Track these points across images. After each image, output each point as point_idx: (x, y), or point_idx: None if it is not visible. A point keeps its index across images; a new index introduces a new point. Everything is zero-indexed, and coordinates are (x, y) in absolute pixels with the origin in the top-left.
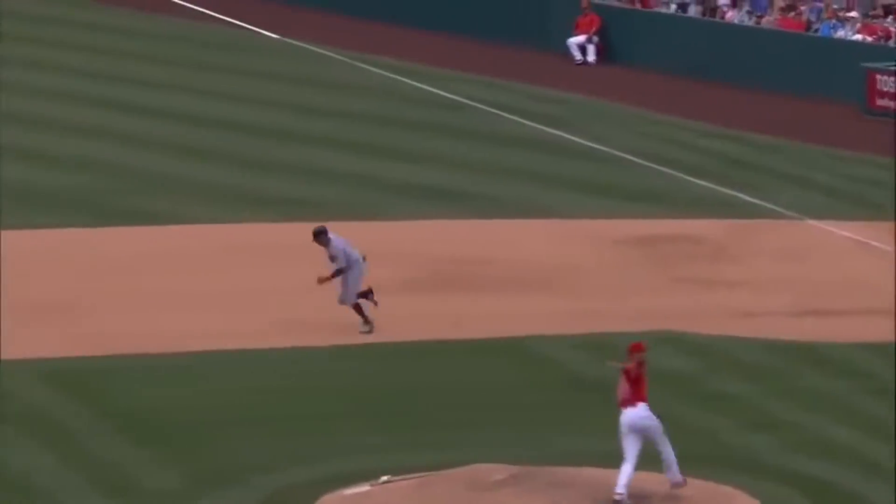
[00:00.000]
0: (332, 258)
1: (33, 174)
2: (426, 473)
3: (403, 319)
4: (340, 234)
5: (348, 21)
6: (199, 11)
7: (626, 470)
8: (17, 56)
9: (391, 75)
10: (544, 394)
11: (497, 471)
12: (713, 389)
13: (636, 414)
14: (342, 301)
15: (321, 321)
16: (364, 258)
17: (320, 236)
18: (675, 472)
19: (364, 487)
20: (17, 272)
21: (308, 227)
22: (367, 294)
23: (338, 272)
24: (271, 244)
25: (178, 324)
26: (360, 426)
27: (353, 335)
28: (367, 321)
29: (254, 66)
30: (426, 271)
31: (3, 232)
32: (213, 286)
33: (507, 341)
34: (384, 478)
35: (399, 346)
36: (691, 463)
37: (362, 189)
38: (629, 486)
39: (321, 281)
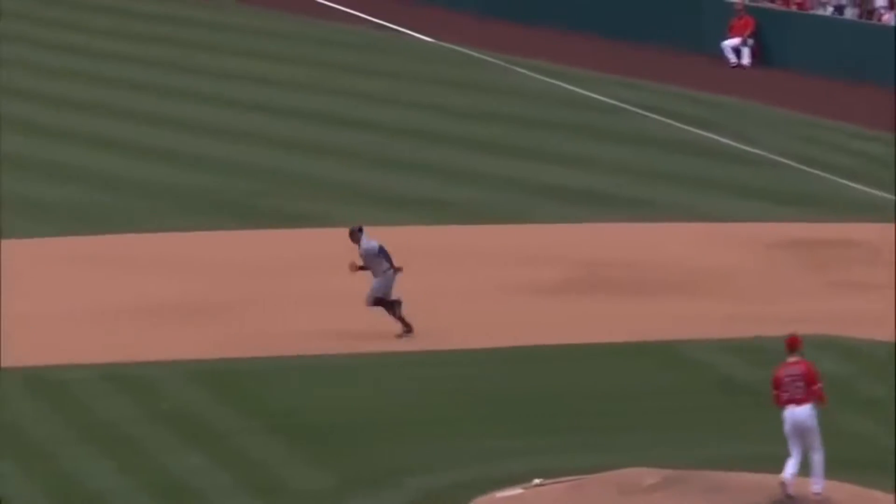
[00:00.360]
0: (362, 257)
1: (181, 176)
2: (578, 477)
3: (552, 322)
4: (489, 237)
5: (500, 24)
6: (348, 14)
7: (794, 461)
8: (167, 59)
9: (543, 78)
10: (695, 397)
11: (649, 475)
12: (867, 394)
13: (802, 412)
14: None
15: (469, 324)
16: (397, 269)
17: (355, 234)
18: (818, 481)
19: (516, 490)
20: (167, 274)
21: (457, 231)
22: (389, 304)
23: (363, 268)
24: (418, 247)
25: (328, 325)
26: (512, 429)
27: (501, 338)
28: (405, 326)
29: (404, 69)
30: (575, 274)
31: (157, 234)
32: (362, 288)
33: (658, 345)
34: (536, 481)
35: (548, 349)
36: (844, 467)
37: (511, 191)
38: (796, 476)
39: (353, 268)
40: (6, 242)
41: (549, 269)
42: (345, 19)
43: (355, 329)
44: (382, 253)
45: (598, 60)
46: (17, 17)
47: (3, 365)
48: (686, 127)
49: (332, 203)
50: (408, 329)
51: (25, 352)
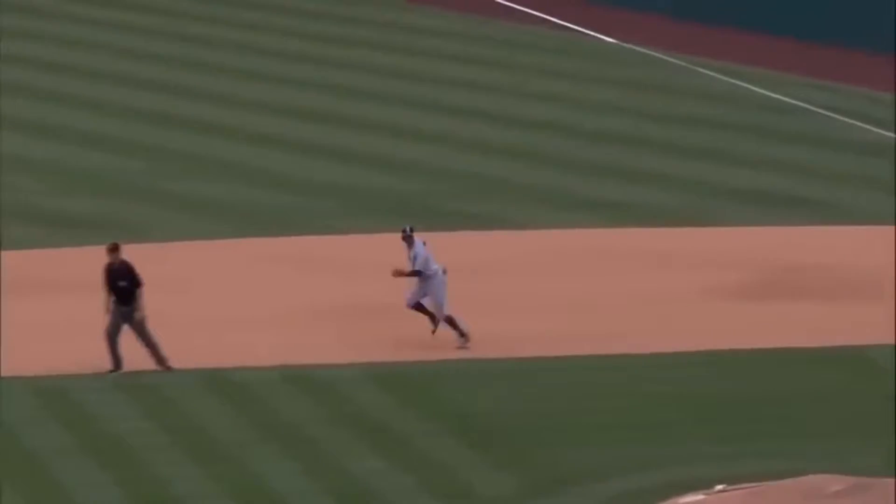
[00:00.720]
0: (412, 259)
1: (361, 177)
2: (761, 483)
3: (740, 327)
4: (671, 239)
5: (686, 25)
6: (529, 14)
7: None
8: (331, 57)
9: (726, 79)
10: (886, 403)
11: (835, 482)
12: None
13: None
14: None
15: (651, 327)
16: (444, 270)
17: (407, 237)
18: None
19: (698, 496)
20: (349, 276)
21: (639, 233)
22: (426, 311)
23: (412, 273)
24: (598, 249)
25: (508, 328)
26: (694, 434)
27: (687, 342)
28: (462, 335)
29: (587, 70)
30: (763, 278)
31: (339, 236)
32: (544, 291)
33: (847, 350)
34: (718, 487)
35: (734, 354)
36: None
37: (694, 193)
38: None
39: (396, 273)
40: (181, 245)
41: (733, 272)
42: (526, 20)
43: (536, 331)
44: (431, 258)
45: (781, 61)
46: (213, 22)
47: (184, 367)
48: (871, 128)
49: (511, 204)
50: (464, 338)
51: (206, 354)
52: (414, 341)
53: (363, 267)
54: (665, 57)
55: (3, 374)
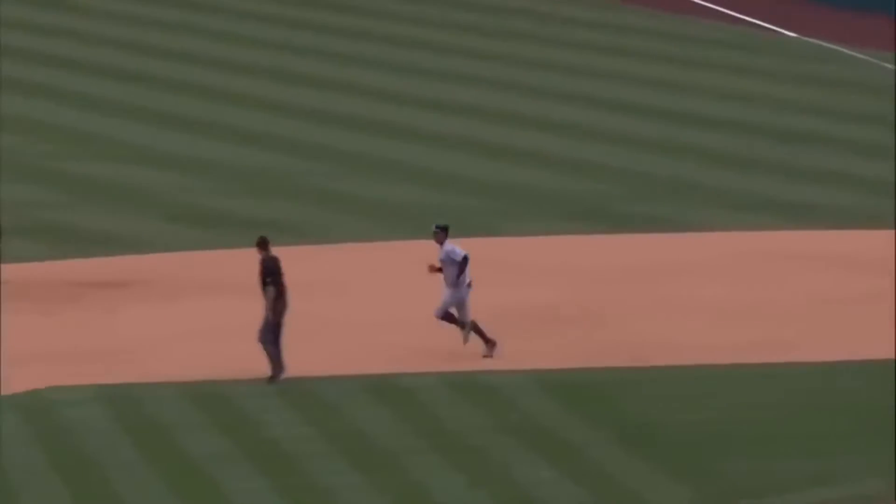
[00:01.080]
0: (441, 260)
1: (541, 179)
2: None
3: None
4: (861, 242)
5: (875, 18)
6: (724, 13)
7: None
8: (518, 56)
9: None
10: None
11: None
12: None
13: None
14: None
15: (831, 335)
16: (470, 284)
17: (438, 234)
18: None
19: None
20: (520, 280)
21: (824, 236)
22: (456, 321)
23: (440, 270)
24: (779, 251)
25: (684, 335)
26: (870, 446)
27: (865, 349)
28: (488, 343)
29: (775, 67)
30: None
31: (513, 239)
32: (729, 297)
33: None
34: None
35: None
36: None
37: (884, 195)
38: None
39: (431, 269)
40: (346, 247)
41: None
42: (721, 18)
43: (713, 338)
44: (464, 263)
45: None
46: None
47: (346, 372)
48: None
49: (691, 206)
50: (491, 345)
51: (367, 359)
52: (586, 348)
53: (537, 271)
54: (855, 53)
55: (161, 380)
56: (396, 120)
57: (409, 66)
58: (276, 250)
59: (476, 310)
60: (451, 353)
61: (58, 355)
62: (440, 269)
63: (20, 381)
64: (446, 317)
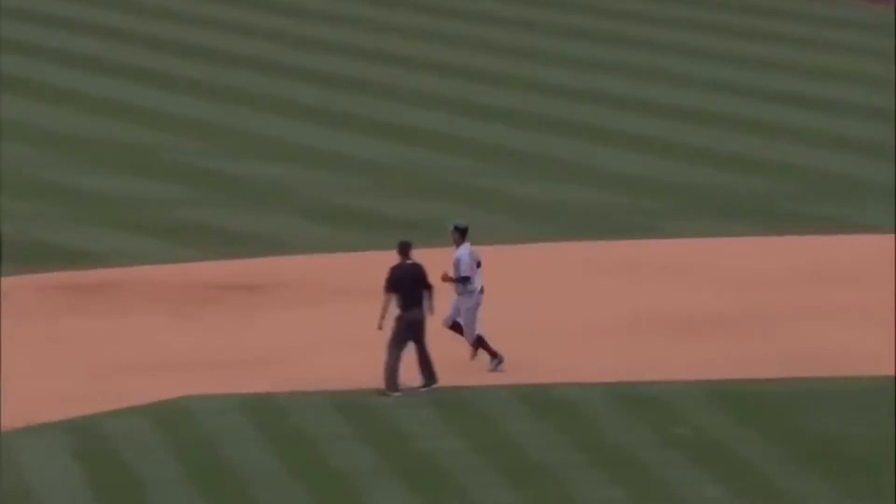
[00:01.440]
0: (454, 263)
1: (697, 175)
2: None
3: None
4: None
5: None
6: None
7: None
8: (673, 44)
9: None
10: None
11: None
12: None
13: None
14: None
15: None
16: (482, 290)
17: (454, 235)
18: None
19: None
20: (684, 284)
21: None
22: (461, 331)
23: (452, 279)
24: None
25: (862, 343)
26: None
27: None
28: (494, 356)
29: None
30: None
31: (673, 240)
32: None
33: None
34: None
35: None
36: None
37: None
38: None
39: (444, 278)
40: (518, 248)
41: None
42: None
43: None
44: (458, 266)
45: None
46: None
47: (499, 382)
48: None
49: (861, 205)
50: (498, 359)
51: (524, 369)
52: (758, 357)
53: (700, 274)
54: None
55: (305, 389)
56: (555, 115)
57: (564, 59)
58: (426, 253)
59: (632, 316)
60: (612, 362)
61: (194, 362)
62: (462, 280)
63: (156, 390)
64: (454, 328)
